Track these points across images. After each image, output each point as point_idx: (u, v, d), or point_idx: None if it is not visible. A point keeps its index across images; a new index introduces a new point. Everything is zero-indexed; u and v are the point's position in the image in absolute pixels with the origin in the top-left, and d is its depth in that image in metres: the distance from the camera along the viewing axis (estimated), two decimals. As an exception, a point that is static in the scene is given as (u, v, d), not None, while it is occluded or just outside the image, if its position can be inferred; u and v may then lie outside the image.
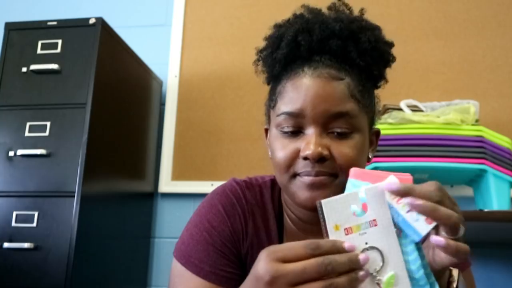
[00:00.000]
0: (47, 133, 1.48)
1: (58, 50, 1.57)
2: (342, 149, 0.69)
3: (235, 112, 1.96)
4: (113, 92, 1.67)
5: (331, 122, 0.69)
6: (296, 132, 0.71)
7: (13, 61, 1.58)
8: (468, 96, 1.74)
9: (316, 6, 0.79)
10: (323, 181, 0.69)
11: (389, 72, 0.79)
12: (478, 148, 1.45)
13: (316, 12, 0.76)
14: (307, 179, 0.69)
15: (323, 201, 0.53)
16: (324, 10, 0.77)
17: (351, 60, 0.72)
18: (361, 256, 0.51)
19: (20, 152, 1.47)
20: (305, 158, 0.68)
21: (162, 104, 2.05)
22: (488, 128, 1.49)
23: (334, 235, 0.53)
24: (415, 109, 1.55)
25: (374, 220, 0.53)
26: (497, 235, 1.54)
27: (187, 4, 2.14)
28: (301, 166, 0.69)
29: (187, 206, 1.92)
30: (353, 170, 0.57)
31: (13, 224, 1.42)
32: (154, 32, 2.16)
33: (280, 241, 0.80)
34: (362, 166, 0.72)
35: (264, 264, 0.51)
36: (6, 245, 1.39)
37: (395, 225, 0.53)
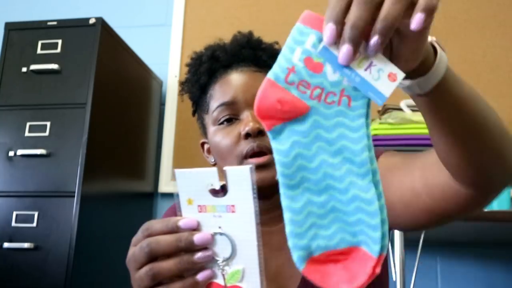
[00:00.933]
0: (47, 133, 1.49)
1: (58, 50, 1.57)
2: None
3: (235, 112, 1.96)
4: (113, 92, 1.67)
5: None
6: (233, 119, 0.78)
7: (13, 61, 1.58)
8: (468, 96, 1.74)
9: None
10: (267, 159, 0.73)
11: None
12: (478, 148, 1.45)
13: (221, 42, 0.89)
14: (252, 161, 0.73)
15: (178, 171, 0.48)
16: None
17: (263, 63, 0.82)
18: (197, 236, 0.47)
19: (20, 152, 1.47)
20: (246, 135, 0.74)
21: (162, 104, 2.05)
22: (488, 128, 1.49)
23: (187, 209, 0.49)
24: (415, 109, 1.55)
25: (233, 206, 0.47)
26: (497, 235, 1.54)
27: (187, 4, 2.14)
28: (244, 145, 0.74)
29: (187, 206, 1.92)
30: (305, 13, 0.44)
31: (13, 224, 1.42)
32: (154, 32, 2.16)
33: None
34: None
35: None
36: (6, 245, 1.39)
37: (352, 89, 0.43)
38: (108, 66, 1.63)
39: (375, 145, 1.46)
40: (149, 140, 1.95)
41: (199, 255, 0.48)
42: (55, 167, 1.46)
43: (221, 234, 0.48)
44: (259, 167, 0.72)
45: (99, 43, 1.55)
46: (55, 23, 1.61)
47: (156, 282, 0.48)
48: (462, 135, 0.54)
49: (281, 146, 0.45)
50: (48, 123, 1.49)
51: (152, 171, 1.96)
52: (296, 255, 0.44)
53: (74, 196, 1.41)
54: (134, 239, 0.54)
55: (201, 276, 0.48)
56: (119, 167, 1.72)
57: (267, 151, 0.74)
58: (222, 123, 0.78)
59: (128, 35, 1.87)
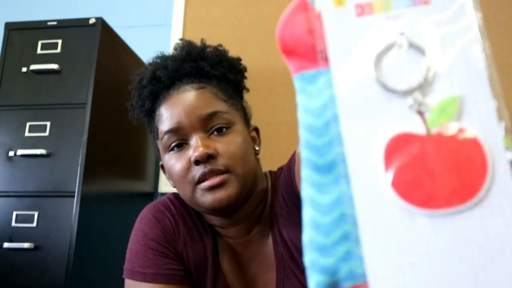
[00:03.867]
0: (47, 133, 1.49)
1: (58, 50, 1.57)
2: (225, 145, 0.74)
3: (235, 112, 1.96)
4: (113, 92, 1.67)
5: (208, 124, 0.75)
6: (182, 144, 0.76)
7: (13, 61, 1.58)
8: (468, 96, 1.75)
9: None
10: (220, 181, 0.72)
11: (249, 89, 0.87)
12: (478, 148, 1.45)
13: (165, 55, 0.85)
14: (206, 184, 0.72)
15: None
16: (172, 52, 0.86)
17: (206, 74, 0.81)
18: None
19: (20, 152, 1.47)
20: (196, 162, 0.73)
21: (162, 104, 2.05)
22: (488, 128, 1.49)
23: (333, 14, 0.29)
24: (415, 109, 1.55)
25: None
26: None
27: (187, 4, 2.14)
28: (196, 171, 0.73)
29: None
30: None
31: (13, 224, 1.42)
32: (154, 32, 2.15)
33: (213, 235, 0.84)
34: (250, 157, 0.78)
35: None
36: (6, 245, 1.39)
37: None
38: (108, 66, 1.63)
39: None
40: (149, 140, 1.95)
41: None
42: (55, 167, 1.46)
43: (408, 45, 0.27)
44: (214, 188, 0.72)
45: (99, 43, 1.55)
46: (55, 23, 1.61)
47: None
48: None
49: (311, 101, 0.29)
50: (48, 123, 1.49)
51: (152, 171, 1.96)
52: (314, 280, 0.27)
53: (74, 196, 1.41)
54: None
55: None
56: (119, 167, 1.72)
57: (220, 172, 0.73)
58: (172, 149, 0.77)
59: (128, 35, 1.87)
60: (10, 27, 1.62)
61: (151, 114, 0.83)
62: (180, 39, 0.88)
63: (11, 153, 1.48)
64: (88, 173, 1.45)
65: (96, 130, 1.51)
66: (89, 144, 1.46)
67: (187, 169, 0.74)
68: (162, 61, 0.84)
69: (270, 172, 0.88)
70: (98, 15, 1.60)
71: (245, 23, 2.05)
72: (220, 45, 0.87)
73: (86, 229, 1.43)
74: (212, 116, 0.75)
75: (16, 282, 1.38)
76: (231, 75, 0.84)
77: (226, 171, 0.73)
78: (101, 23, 1.58)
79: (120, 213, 1.71)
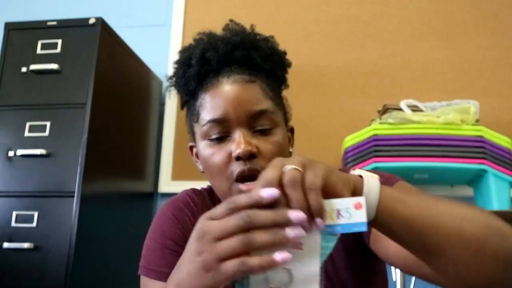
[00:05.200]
0: (47, 133, 1.48)
1: (58, 50, 1.57)
2: (267, 146, 0.73)
3: (235, 112, 1.96)
4: (113, 92, 1.67)
5: (254, 121, 0.74)
6: (224, 137, 0.74)
7: (13, 61, 1.58)
8: (468, 96, 1.74)
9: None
10: None
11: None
12: (478, 148, 1.45)
13: (212, 34, 0.83)
14: (244, 186, 0.71)
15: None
16: (219, 33, 0.84)
17: (257, 66, 0.78)
18: (293, 214, 0.47)
19: (20, 152, 1.47)
20: (238, 158, 0.71)
21: (162, 104, 2.05)
22: (488, 128, 1.49)
23: None
24: (415, 109, 1.55)
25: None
26: (497, 235, 1.54)
27: (187, 4, 2.14)
28: (235, 166, 0.72)
29: (187, 206, 1.92)
30: None
31: (13, 224, 1.42)
32: (154, 32, 2.15)
33: None
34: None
35: (197, 224, 0.53)
36: (6, 245, 1.39)
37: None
38: (108, 66, 1.63)
39: (376, 145, 1.46)
40: (149, 140, 1.95)
41: (294, 231, 0.47)
42: (55, 167, 1.45)
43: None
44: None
45: (99, 43, 1.55)
46: (55, 23, 1.61)
47: (247, 249, 0.48)
48: (423, 252, 0.53)
49: None
50: (48, 123, 1.49)
51: (152, 171, 1.96)
52: None
53: (74, 196, 1.41)
54: (215, 213, 0.51)
55: (279, 256, 0.47)
56: (119, 167, 1.72)
57: (258, 174, 0.71)
58: (211, 138, 0.75)
59: (128, 35, 1.87)
60: (10, 27, 1.62)
61: (193, 95, 0.80)
62: (231, 20, 0.84)
63: (11, 153, 1.48)
64: (88, 173, 1.45)
65: (96, 130, 1.51)
66: (89, 144, 1.46)
67: (226, 163, 0.73)
68: (212, 42, 0.80)
69: None
70: (98, 15, 1.60)
71: (245, 23, 2.05)
72: (272, 37, 0.84)
73: (86, 229, 1.43)
74: (259, 114, 0.74)
75: (16, 282, 1.38)
76: (279, 70, 0.82)
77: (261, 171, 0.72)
78: (101, 23, 1.58)
79: (120, 213, 1.71)
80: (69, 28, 1.60)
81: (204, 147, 0.76)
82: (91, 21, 1.58)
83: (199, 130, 0.78)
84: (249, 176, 0.72)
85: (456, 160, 1.45)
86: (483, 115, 1.65)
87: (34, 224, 1.41)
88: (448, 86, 1.86)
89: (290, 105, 0.86)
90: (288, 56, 0.85)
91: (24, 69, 1.56)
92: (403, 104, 1.54)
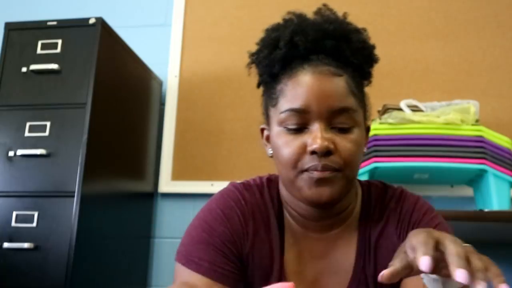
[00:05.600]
0: (47, 133, 1.48)
1: (58, 50, 1.57)
2: (345, 144, 0.71)
3: (235, 112, 1.96)
4: (113, 92, 1.67)
5: (335, 117, 0.71)
6: (301, 128, 0.72)
7: (13, 61, 1.58)
8: (468, 96, 1.74)
9: (306, 9, 0.83)
10: (330, 176, 0.70)
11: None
12: (478, 148, 1.45)
13: (303, 17, 0.79)
14: (315, 174, 0.70)
15: None
16: (310, 15, 0.80)
17: (345, 59, 0.75)
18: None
19: (20, 152, 1.47)
20: (312, 152, 0.70)
21: (162, 104, 2.05)
22: (488, 128, 1.49)
23: None
24: (415, 109, 1.55)
25: None
26: (497, 235, 1.54)
27: (187, 4, 2.14)
28: (308, 160, 0.70)
29: (187, 206, 1.92)
30: None
31: (13, 224, 1.42)
32: (154, 32, 2.15)
33: (281, 239, 0.80)
34: (360, 160, 0.75)
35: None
36: (6, 245, 1.39)
37: None
38: (108, 66, 1.63)
39: (375, 145, 1.46)
40: (149, 140, 1.95)
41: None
42: (55, 167, 1.45)
43: None
44: (321, 181, 0.70)
45: (99, 43, 1.55)
46: (55, 23, 1.61)
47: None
48: None
49: None
50: (48, 123, 1.49)
51: (152, 171, 1.96)
52: None
53: (74, 196, 1.41)
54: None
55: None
56: (119, 167, 1.72)
57: (331, 169, 0.70)
58: (287, 126, 0.73)
59: (128, 35, 1.87)
60: (10, 27, 1.62)
61: (275, 78, 0.77)
62: (324, 5, 0.80)
63: (11, 153, 1.48)
64: (88, 173, 1.45)
65: (96, 130, 1.51)
66: (89, 144, 1.46)
67: (299, 154, 0.71)
68: (302, 25, 0.76)
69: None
70: (98, 15, 1.60)
71: (245, 23, 2.05)
72: (365, 29, 0.79)
73: (86, 229, 1.43)
74: (341, 111, 0.71)
75: (16, 282, 1.38)
76: (366, 65, 0.79)
77: (338, 169, 0.70)
78: (101, 23, 1.58)
79: (120, 213, 1.71)
80: (69, 28, 1.60)
81: (278, 134, 0.74)
82: (91, 21, 1.58)
83: (275, 115, 0.75)
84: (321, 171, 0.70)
85: (456, 160, 1.45)
86: (483, 115, 1.65)
87: (34, 224, 1.41)
88: (448, 86, 1.86)
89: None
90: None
91: (24, 69, 1.56)
92: (403, 104, 1.54)
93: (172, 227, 1.94)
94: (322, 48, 0.74)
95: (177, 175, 1.95)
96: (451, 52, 1.90)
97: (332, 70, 0.73)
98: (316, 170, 0.70)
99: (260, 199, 0.83)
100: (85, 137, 1.46)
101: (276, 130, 0.75)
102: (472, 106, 1.51)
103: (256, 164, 1.87)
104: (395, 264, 0.52)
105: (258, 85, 0.84)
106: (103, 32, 1.59)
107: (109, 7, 2.22)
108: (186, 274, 0.76)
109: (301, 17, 0.79)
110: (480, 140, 1.46)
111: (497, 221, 1.30)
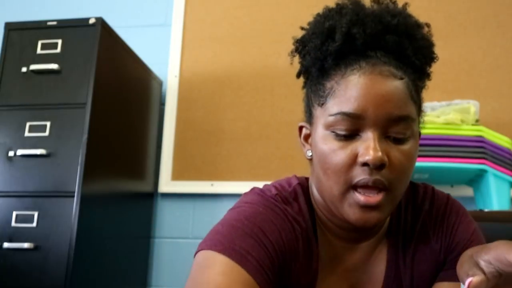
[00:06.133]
0: (47, 133, 1.49)
1: (58, 50, 1.57)
2: (398, 157, 0.63)
3: (235, 112, 1.96)
4: (113, 92, 1.67)
5: (391, 126, 0.63)
6: (352, 135, 0.64)
7: (13, 61, 1.58)
8: (468, 96, 1.74)
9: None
10: (377, 201, 0.62)
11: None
12: (478, 148, 1.45)
13: (360, 4, 0.69)
14: (362, 198, 0.62)
15: None
16: (367, 3, 0.71)
17: (407, 58, 0.66)
18: None
19: (20, 152, 1.47)
20: (364, 164, 0.62)
21: (162, 104, 2.05)
22: (488, 128, 1.49)
23: None
24: (415, 109, 1.55)
25: None
26: (497, 235, 1.54)
27: (187, 4, 2.14)
28: (358, 172, 0.62)
29: (187, 206, 1.92)
30: None
31: (13, 224, 1.42)
32: (154, 32, 2.15)
33: (317, 253, 0.72)
34: (411, 175, 0.67)
35: None
36: (6, 245, 1.39)
37: None
38: (108, 66, 1.63)
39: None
40: (149, 140, 1.95)
41: None
42: (55, 167, 1.45)
43: None
44: (368, 207, 0.62)
45: (99, 43, 1.55)
46: (55, 23, 1.61)
47: None
48: None
49: None
50: (48, 123, 1.49)
51: (152, 171, 1.96)
52: None
53: (74, 196, 1.41)
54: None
55: None
56: (119, 167, 1.72)
57: (382, 187, 0.62)
58: (338, 134, 0.64)
59: (128, 35, 1.87)
60: (10, 27, 1.62)
61: (325, 74, 0.67)
62: None
63: (11, 153, 1.48)
64: (88, 173, 1.45)
65: (96, 130, 1.51)
66: (89, 144, 1.46)
67: (348, 165, 0.63)
68: (359, 14, 0.66)
69: None
70: (98, 15, 1.60)
71: (245, 23, 2.05)
72: (428, 25, 0.70)
73: (86, 229, 1.43)
74: (401, 120, 0.63)
75: (16, 282, 1.38)
76: (428, 68, 0.70)
77: (387, 187, 0.63)
78: (101, 23, 1.58)
79: (120, 213, 1.71)
80: (69, 28, 1.60)
81: (325, 138, 0.65)
82: (91, 21, 1.58)
83: (322, 116, 0.66)
84: (372, 187, 0.62)
85: (456, 160, 1.45)
86: (483, 115, 1.65)
87: (34, 224, 1.41)
88: (448, 86, 1.86)
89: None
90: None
91: (24, 69, 1.56)
92: (403, 104, 1.54)
93: (172, 227, 1.94)
94: (382, 44, 0.65)
95: (177, 175, 1.95)
96: (451, 52, 1.90)
97: (393, 71, 0.64)
98: (367, 184, 0.62)
99: (300, 213, 0.72)
100: (85, 137, 1.46)
101: (322, 133, 0.66)
102: (472, 106, 1.51)
103: (256, 164, 1.87)
104: (480, 274, 0.52)
105: (298, 75, 0.74)
106: (103, 32, 1.59)
107: (109, 7, 2.22)
108: (221, 262, 0.60)
109: (357, 4, 0.68)
110: (480, 140, 1.46)
111: (497, 221, 1.30)
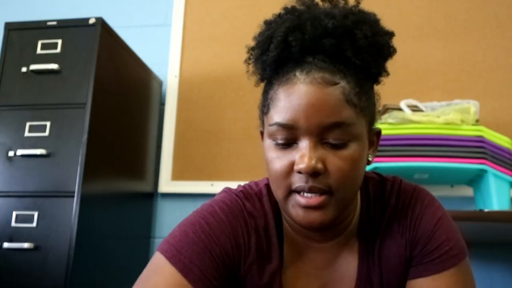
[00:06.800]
0: (47, 133, 1.48)
1: (58, 50, 1.57)
2: (337, 163, 0.64)
3: (235, 112, 1.96)
4: (113, 92, 1.67)
5: (326, 133, 0.64)
6: (290, 143, 0.66)
7: (13, 61, 1.58)
8: (468, 96, 1.74)
9: None
10: (318, 203, 0.64)
11: (390, 72, 0.74)
12: (478, 148, 1.45)
13: (309, 4, 0.70)
14: (302, 200, 0.64)
15: None
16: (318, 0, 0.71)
17: (347, 60, 0.65)
18: None
19: (20, 152, 1.47)
20: (300, 172, 0.64)
21: (162, 104, 2.05)
22: (488, 128, 1.49)
23: None
24: (415, 109, 1.55)
25: None
26: (497, 235, 1.54)
27: (187, 4, 2.14)
28: (296, 179, 0.65)
29: (187, 206, 1.92)
30: None
31: (13, 224, 1.42)
32: (154, 32, 2.16)
33: (281, 250, 0.74)
34: (359, 177, 0.68)
35: None
36: (6, 245, 1.39)
37: None
38: (108, 66, 1.63)
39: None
40: (149, 140, 1.95)
41: None
42: (55, 167, 1.45)
43: None
44: (309, 208, 0.64)
45: (99, 43, 1.55)
46: (55, 23, 1.61)
47: None
48: None
49: None
50: (48, 123, 1.49)
51: (152, 171, 1.96)
52: None
53: (74, 196, 1.41)
54: None
55: None
56: (119, 167, 1.72)
57: (321, 192, 0.64)
58: (278, 143, 0.67)
59: (128, 35, 1.87)
60: (10, 27, 1.62)
61: (268, 83, 0.70)
62: None
63: (11, 153, 1.48)
64: (88, 173, 1.45)
65: (96, 130, 1.51)
66: (89, 144, 1.46)
67: (287, 172, 0.65)
68: (300, 19, 0.67)
69: None
70: (98, 15, 1.60)
71: (245, 23, 2.05)
72: (375, 18, 0.70)
73: (86, 229, 1.43)
74: (334, 126, 0.64)
75: (16, 282, 1.38)
76: (374, 66, 0.68)
77: (328, 191, 0.65)
78: (101, 23, 1.58)
79: (120, 213, 1.71)
80: (69, 28, 1.60)
81: (268, 147, 0.68)
82: (91, 21, 1.58)
83: (266, 125, 0.69)
84: (310, 193, 0.64)
85: (456, 160, 1.45)
86: (483, 115, 1.65)
87: (34, 224, 1.41)
88: (448, 86, 1.86)
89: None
90: None
91: (24, 69, 1.56)
92: (403, 104, 1.54)
93: (172, 227, 1.91)
94: (319, 48, 0.66)
95: (177, 175, 1.95)
96: (451, 52, 1.90)
97: (327, 77, 0.64)
98: (303, 191, 0.64)
99: (261, 210, 0.76)
100: (85, 137, 1.46)
101: (267, 142, 0.69)
102: (472, 106, 1.51)
103: (256, 164, 1.87)
104: None
105: (260, 82, 0.77)
106: (103, 32, 1.59)
107: (109, 7, 2.22)
108: (168, 272, 0.67)
109: (305, 4, 0.70)
110: (480, 140, 1.46)
111: (497, 221, 1.30)
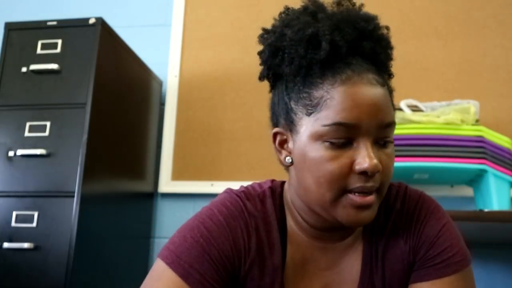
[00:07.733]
0: (47, 133, 1.48)
1: (58, 50, 1.57)
2: (386, 161, 0.66)
3: (235, 112, 1.96)
4: (113, 92, 1.67)
5: (382, 133, 0.65)
6: (346, 143, 0.64)
7: (13, 61, 1.58)
8: (468, 96, 1.74)
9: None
10: (372, 201, 0.65)
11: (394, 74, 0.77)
12: (478, 148, 1.45)
13: (324, 8, 0.69)
14: (358, 200, 0.64)
15: None
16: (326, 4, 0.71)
17: (381, 63, 0.69)
18: None
19: (20, 152, 1.47)
20: (361, 172, 0.63)
21: (162, 104, 2.05)
22: (488, 128, 1.49)
23: None
24: (415, 109, 1.55)
25: None
26: (497, 235, 1.54)
27: (187, 4, 2.14)
28: (355, 179, 0.64)
29: (187, 206, 1.92)
30: None
31: (13, 224, 1.42)
32: (154, 32, 2.15)
33: (283, 250, 0.74)
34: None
35: None
36: (6, 245, 1.39)
37: None
38: (108, 66, 1.63)
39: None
40: (149, 140, 1.95)
41: None
42: (55, 167, 1.45)
43: None
44: (362, 207, 0.65)
45: (99, 43, 1.55)
46: (55, 23, 1.61)
47: None
48: None
49: None
50: (48, 123, 1.49)
51: (152, 171, 1.96)
52: None
53: (74, 196, 1.41)
54: None
55: None
56: (119, 167, 1.72)
57: (373, 190, 0.65)
58: (333, 143, 0.64)
59: (128, 35, 1.87)
60: (10, 27, 1.62)
61: (310, 81, 0.66)
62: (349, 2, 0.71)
63: (11, 153, 1.48)
64: (88, 173, 1.45)
65: (96, 130, 1.51)
66: (89, 144, 1.46)
67: (345, 174, 0.64)
68: (333, 19, 0.66)
69: None
70: (98, 15, 1.60)
71: (245, 23, 2.05)
72: (387, 28, 0.71)
73: (86, 229, 1.43)
74: (389, 126, 0.66)
75: (16, 282, 1.38)
76: (390, 67, 0.73)
77: (377, 189, 0.66)
78: (101, 23, 1.58)
79: (120, 213, 1.71)
80: (69, 28, 1.60)
81: (316, 148, 0.65)
82: (91, 21, 1.58)
83: (310, 125, 0.66)
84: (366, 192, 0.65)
85: (456, 160, 1.45)
86: (483, 115, 1.65)
87: (34, 224, 1.41)
88: (448, 86, 1.86)
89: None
90: None
91: (24, 69, 1.56)
92: (403, 104, 1.54)
93: (172, 227, 1.93)
94: (359, 50, 0.66)
95: (177, 175, 1.95)
96: (451, 52, 1.90)
97: (378, 79, 0.66)
98: (362, 191, 0.64)
99: (262, 211, 0.75)
100: (85, 137, 1.46)
101: (309, 141, 0.66)
102: (472, 106, 1.51)
103: (256, 164, 1.87)
104: None
105: (262, 79, 0.76)
106: (103, 32, 1.59)
107: (109, 7, 2.22)
108: (169, 278, 0.67)
109: (322, 8, 0.68)
110: (480, 140, 1.46)
111: (497, 221, 1.30)
